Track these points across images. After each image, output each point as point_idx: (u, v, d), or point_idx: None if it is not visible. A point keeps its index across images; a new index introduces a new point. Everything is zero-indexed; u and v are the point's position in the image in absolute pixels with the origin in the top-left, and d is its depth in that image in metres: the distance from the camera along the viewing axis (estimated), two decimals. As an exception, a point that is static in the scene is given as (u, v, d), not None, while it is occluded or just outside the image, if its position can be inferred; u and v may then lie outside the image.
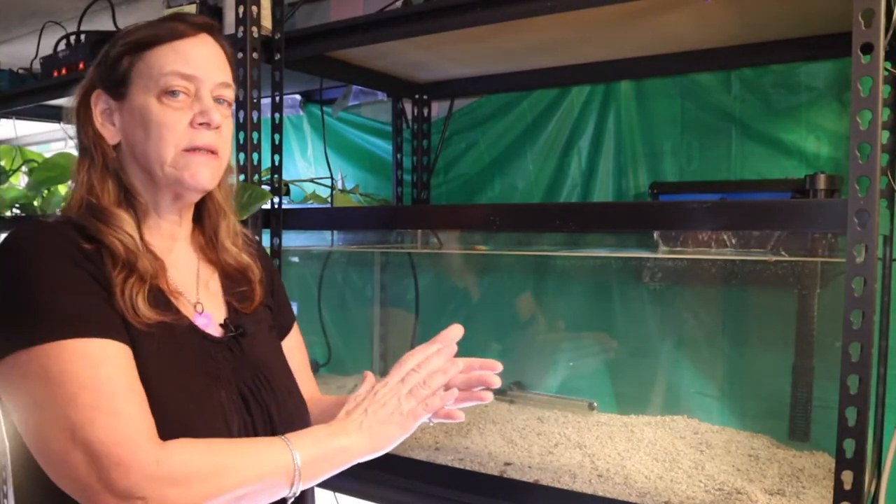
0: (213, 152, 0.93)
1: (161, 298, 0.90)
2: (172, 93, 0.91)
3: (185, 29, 0.93)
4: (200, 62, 0.93)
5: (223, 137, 0.95)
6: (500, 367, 1.00)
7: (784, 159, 1.57)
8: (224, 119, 0.95)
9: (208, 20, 0.98)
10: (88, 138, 0.94)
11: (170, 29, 0.93)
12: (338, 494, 1.74)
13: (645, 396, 1.73)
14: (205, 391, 0.88)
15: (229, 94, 0.97)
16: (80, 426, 0.74)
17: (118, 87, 0.93)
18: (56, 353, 0.77)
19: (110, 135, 0.94)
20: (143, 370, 0.82)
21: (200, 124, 0.92)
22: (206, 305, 0.97)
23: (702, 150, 1.68)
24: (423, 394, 0.93)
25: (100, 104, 0.94)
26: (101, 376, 0.77)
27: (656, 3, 1.30)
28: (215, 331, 0.96)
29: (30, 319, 0.79)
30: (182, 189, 0.93)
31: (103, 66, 0.95)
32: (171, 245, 0.97)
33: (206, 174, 0.93)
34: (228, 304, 1.01)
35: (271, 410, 0.95)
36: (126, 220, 0.90)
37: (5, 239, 0.85)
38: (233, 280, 1.04)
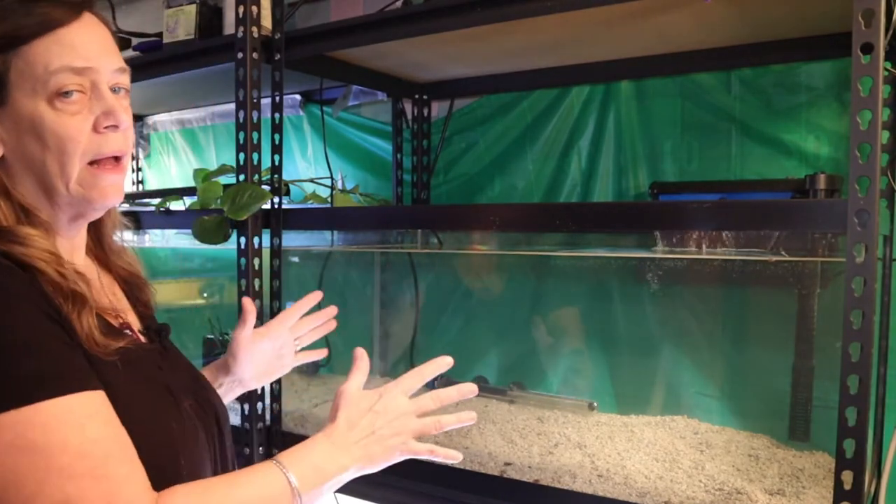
0: (117, 159, 0.83)
1: (104, 322, 0.83)
2: (66, 94, 0.78)
3: (64, 12, 0.79)
4: (92, 50, 0.80)
5: (128, 136, 0.84)
6: (318, 296, 1.17)
7: (784, 159, 1.57)
8: (127, 114, 0.83)
9: None
10: None
11: (45, 15, 0.78)
12: (338, 494, 1.74)
13: (645, 396, 1.72)
14: (174, 406, 0.84)
15: (126, 80, 0.85)
16: (78, 498, 0.66)
17: None
18: (38, 420, 0.67)
19: None
20: (121, 402, 0.75)
21: (107, 127, 0.80)
22: (121, 314, 0.91)
23: (702, 150, 1.68)
24: (432, 434, 0.91)
25: None
26: (89, 439, 0.69)
27: (656, 3, 1.30)
28: (140, 338, 0.92)
29: None
30: (87, 209, 0.84)
31: None
32: (72, 259, 0.86)
33: (116, 192, 0.84)
34: (136, 310, 0.97)
35: (217, 409, 0.94)
36: (39, 237, 0.78)
37: None
38: (129, 283, 0.99)
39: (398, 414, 0.89)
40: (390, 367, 2.14)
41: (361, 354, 0.94)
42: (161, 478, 0.75)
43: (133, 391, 0.79)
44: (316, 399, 1.89)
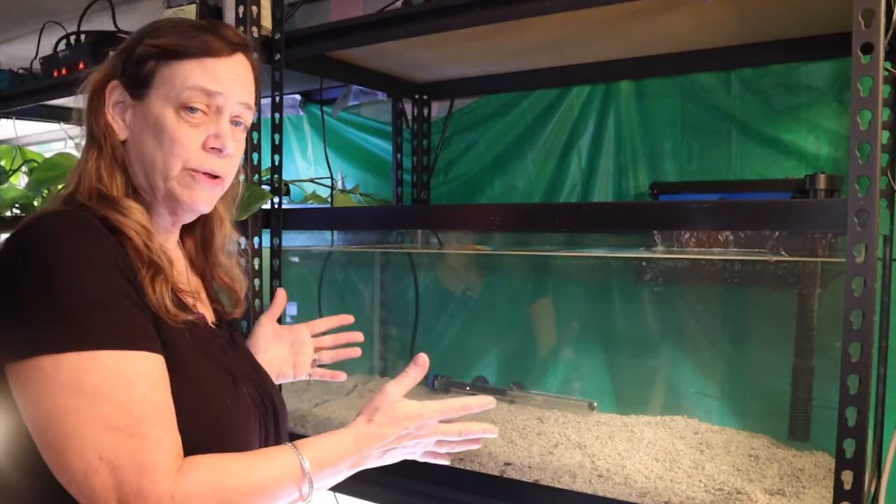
0: (216, 177, 0.92)
1: (178, 297, 0.90)
2: (192, 109, 0.88)
3: (221, 47, 0.90)
4: (227, 80, 0.90)
5: (232, 164, 0.93)
6: (351, 319, 1.19)
7: (784, 159, 1.57)
8: (237, 144, 0.93)
9: (244, 39, 0.94)
10: (99, 127, 0.91)
11: (205, 44, 0.89)
12: (338, 494, 1.74)
13: (645, 396, 1.72)
14: (233, 388, 0.90)
15: (248, 116, 0.94)
16: (110, 448, 0.73)
17: (138, 86, 0.90)
18: (91, 366, 0.74)
19: (119, 129, 0.91)
20: (181, 366, 0.82)
21: (212, 148, 0.89)
22: (197, 307, 0.98)
23: (702, 150, 1.68)
24: (447, 448, 0.98)
25: (114, 96, 0.91)
26: (133, 396, 0.75)
27: (656, 3, 1.30)
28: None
29: (63, 323, 0.75)
30: (178, 207, 0.92)
31: (127, 60, 0.91)
32: (165, 246, 0.95)
33: (206, 200, 0.92)
34: (214, 309, 1.04)
35: (275, 400, 0.99)
36: (139, 211, 0.88)
37: (35, 228, 0.80)
38: (217, 291, 1.06)
39: (429, 437, 0.94)
40: (390, 366, 2.14)
41: (423, 363, 0.96)
42: (202, 444, 0.81)
43: (195, 360, 0.86)
44: (316, 399, 1.89)
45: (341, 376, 1.21)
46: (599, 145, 1.81)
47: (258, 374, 1.00)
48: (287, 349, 1.19)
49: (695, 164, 1.69)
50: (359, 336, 1.22)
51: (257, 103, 0.98)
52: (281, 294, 1.22)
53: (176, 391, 0.80)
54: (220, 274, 1.05)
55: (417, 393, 1.92)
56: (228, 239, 1.05)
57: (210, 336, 0.94)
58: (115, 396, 0.74)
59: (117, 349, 0.75)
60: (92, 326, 0.75)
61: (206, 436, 0.83)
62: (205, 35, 0.89)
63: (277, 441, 0.98)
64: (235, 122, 0.93)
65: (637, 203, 1.68)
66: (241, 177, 1.03)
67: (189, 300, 0.94)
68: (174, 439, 0.78)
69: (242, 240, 1.12)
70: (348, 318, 1.22)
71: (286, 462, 0.84)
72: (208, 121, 0.89)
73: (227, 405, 0.87)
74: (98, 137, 0.91)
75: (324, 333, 1.25)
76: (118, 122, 0.91)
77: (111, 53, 0.95)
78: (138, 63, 0.89)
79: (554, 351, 1.88)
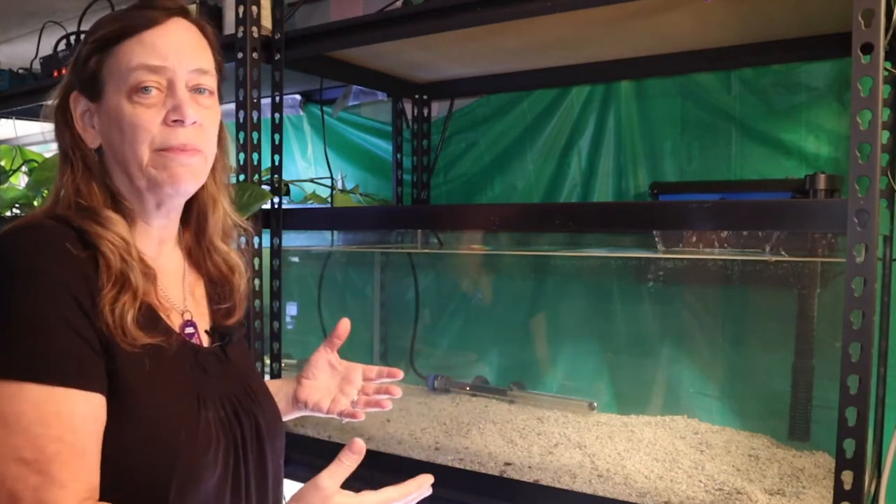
0: (193, 149, 0.86)
1: (151, 316, 0.85)
2: (144, 89, 0.84)
3: (154, 16, 0.86)
4: (170, 50, 0.85)
5: (204, 132, 0.88)
6: (401, 374, 1.11)
7: (784, 159, 1.57)
8: (205, 110, 0.87)
9: (179, 2, 0.89)
10: (66, 142, 0.89)
11: (136, 19, 0.86)
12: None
13: (645, 396, 1.73)
14: (193, 413, 0.85)
15: (208, 81, 0.89)
16: (15, 478, 0.73)
17: (92, 88, 0.87)
18: (16, 396, 0.73)
19: (91, 138, 0.88)
20: (130, 395, 0.79)
21: (174, 121, 0.84)
22: (192, 313, 0.94)
23: (702, 150, 1.68)
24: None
25: (79, 107, 0.89)
26: (49, 434, 0.74)
27: (656, 3, 1.30)
28: (202, 339, 0.94)
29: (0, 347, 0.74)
30: (163, 194, 0.87)
31: (77, 67, 0.89)
32: (159, 249, 0.92)
33: (187, 175, 0.86)
34: (212, 313, 0.99)
35: (259, 420, 0.93)
36: (119, 223, 0.85)
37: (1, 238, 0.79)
38: (217, 286, 1.00)
39: None
40: (390, 366, 2.14)
41: (359, 449, 0.90)
42: (151, 473, 0.79)
43: (150, 389, 0.82)
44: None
45: (361, 416, 1.14)
46: (599, 145, 1.81)
47: (245, 392, 0.94)
48: (335, 383, 1.15)
49: (695, 164, 1.69)
50: (398, 391, 1.15)
51: (220, 67, 0.93)
52: (344, 324, 1.14)
53: (125, 422, 0.79)
54: (217, 262, 0.99)
55: (418, 393, 1.93)
56: (224, 221, 1.00)
57: (181, 355, 0.88)
58: (32, 431, 0.73)
59: (45, 384, 0.74)
60: (25, 357, 0.74)
61: (155, 466, 0.80)
62: (137, 11, 0.86)
63: (261, 463, 0.93)
64: (197, 90, 0.87)
65: (637, 203, 1.68)
66: (234, 152, 0.96)
67: (170, 317, 0.89)
68: (84, 483, 0.76)
69: (243, 239, 1.06)
70: (399, 373, 1.15)
71: None
72: (164, 97, 0.85)
73: (181, 436, 0.82)
74: (68, 153, 0.88)
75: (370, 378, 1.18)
76: (89, 132, 0.88)
77: (67, 68, 0.93)
78: (85, 64, 0.87)
79: (554, 351, 1.89)
